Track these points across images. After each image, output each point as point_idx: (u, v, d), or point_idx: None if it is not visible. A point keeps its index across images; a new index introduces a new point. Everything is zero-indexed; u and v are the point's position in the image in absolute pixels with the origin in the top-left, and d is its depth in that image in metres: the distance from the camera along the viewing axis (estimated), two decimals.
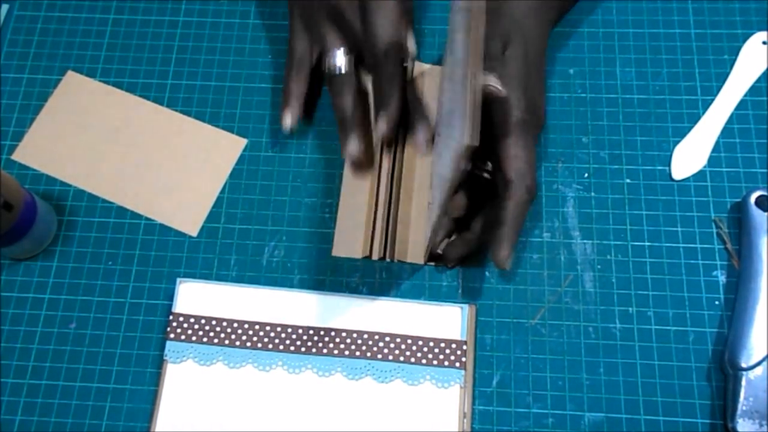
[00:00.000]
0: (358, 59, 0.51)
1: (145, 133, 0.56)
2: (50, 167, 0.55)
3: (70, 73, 0.58)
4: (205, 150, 0.55)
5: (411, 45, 0.51)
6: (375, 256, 0.50)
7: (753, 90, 0.54)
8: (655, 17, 0.57)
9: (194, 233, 0.53)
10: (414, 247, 0.51)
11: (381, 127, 0.48)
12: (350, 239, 0.51)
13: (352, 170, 0.51)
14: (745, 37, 0.56)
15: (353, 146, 0.49)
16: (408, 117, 0.50)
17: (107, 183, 0.54)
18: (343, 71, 0.50)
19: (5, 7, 0.60)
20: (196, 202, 0.53)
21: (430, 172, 0.52)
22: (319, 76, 0.53)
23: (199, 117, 0.56)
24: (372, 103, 0.50)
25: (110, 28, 0.59)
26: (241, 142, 0.55)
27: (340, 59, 0.51)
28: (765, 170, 0.52)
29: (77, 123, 0.56)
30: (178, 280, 0.51)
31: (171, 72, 0.58)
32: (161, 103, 0.56)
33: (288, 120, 0.52)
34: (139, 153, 0.55)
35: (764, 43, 0.55)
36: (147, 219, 0.53)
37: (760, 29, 0.56)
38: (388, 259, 0.50)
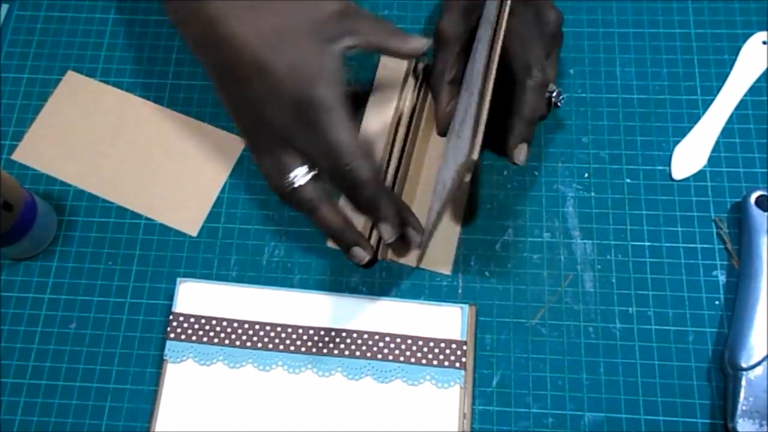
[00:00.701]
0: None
1: (145, 133, 0.56)
2: (50, 167, 0.55)
3: (70, 73, 0.58)
4: (205, 150, 0.55)
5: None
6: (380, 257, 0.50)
7: (753, 90, 0.54)
8: (655, 17, 0.57)
9: (194, 233, 0.53)
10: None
11: (388, 236, 0.46)
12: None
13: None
14: (745, 37, 0.56)
15: (361, 255, 0.47)
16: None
17: (107, 183, 0.54)
18: (308, 193, 0.44)
19: (5, 7, 0.60)
20: (195, 201, 0.53)
21: (434, 174, 0.52)
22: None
23: (200, 117, 0.56)
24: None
25: (110, 28, 0.59)
26: (241, 142, 0.55)
27: (301, 179, 0.44)
28: (765, 170, 0.52)
29: (77, 123, 0.56)
30: (178, 280, 0.51)
31: (171, 72, 0.58)
32: (161, 103, 0.56)
33: (360, 255, 0.47)
34: (139, 153, 0.55)
35: (764, 43, 0.55)
36: (147, 219, 0.53)
37: (760, 29, 0.56)
38: (380, 258, 0.50)
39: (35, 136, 0.56)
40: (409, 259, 0.51)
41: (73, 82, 0.58)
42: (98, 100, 0.57)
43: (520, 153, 0.48)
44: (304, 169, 0.44)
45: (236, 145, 0.55)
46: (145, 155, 0.55)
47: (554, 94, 0.51)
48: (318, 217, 0.46)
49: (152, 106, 0.56)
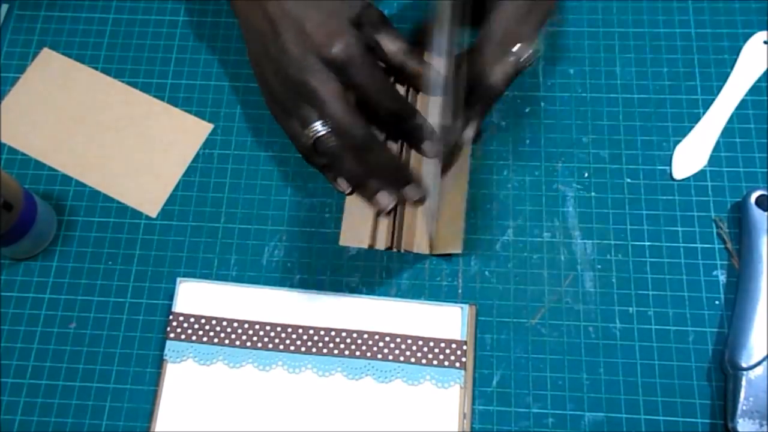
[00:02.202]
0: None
1: (113, 113, 0.56)
2: (18, 141, 0.56)
3: (45, 50, 0.58)
4: (172, 133, 0.56)
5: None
6: (381, 246, 0.50)
7: (753, 90, 0.54)
8: (655, 17, 0.57)
9: (153, 214, 0.53)
10: (421, 237, 0.51)
11: (412, 196, 0.50)
12: (358, 229, 0.51)
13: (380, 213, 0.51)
14: (746, 37, 0.56)
15: (385, 201, 0.49)
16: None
17: (71, 159, 0.55)
18: (330, 143, 0.47)
19: (5, 7, 0.60)
20: (157, 183, 0.54)
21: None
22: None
23: (200, 116, 0.56)
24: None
25: (110, 27, 0.59)
26: (207, 127, 0.56)
27: (320, 131, 0.47)
28: (765, 170, 0.52)
29: (48, 99, 0.57)
30: (178, 279, 0.51)
31: (171, 72, 0.58)
32: (148, 91, 0.57)
33: (344, 184, 0.50)
34: (106, 132, 0.56)
35: (765, 42, 0.55)
36: (147, 219, 0.53)
37: (761, 29, 0.56)
38: (395, 250, 0.51)
39: (6, 110, 0.57)
40: (421, 247, 0.51)
41: (48, 59, 0.58)
42: (71, 78, 0.57)
43: (470, 131, 0.50)
44: (320, 121, 0.47)
45: (203, 130, 0.56)
46: (112, 135, 0.56)
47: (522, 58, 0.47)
48: (343, 165, 0.48)
49: (123, 87, 0.57)
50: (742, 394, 0.45)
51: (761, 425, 0.44)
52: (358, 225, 0.51)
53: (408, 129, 0.50)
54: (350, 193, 0.51)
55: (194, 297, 0.50)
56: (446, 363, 0.47)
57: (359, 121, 0.47)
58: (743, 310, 0.47)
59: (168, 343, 0.49)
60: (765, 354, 0.45)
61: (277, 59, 0.47)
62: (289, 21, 0.47)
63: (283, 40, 0.47)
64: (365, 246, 0.51)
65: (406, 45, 0.51)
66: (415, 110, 0.50)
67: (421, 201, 0.51)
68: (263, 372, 0.48)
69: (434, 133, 0.50)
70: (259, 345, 0.49)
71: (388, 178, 0.49)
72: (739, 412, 0.45)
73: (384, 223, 0.51)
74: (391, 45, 0.50)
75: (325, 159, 0.48)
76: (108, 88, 0.57)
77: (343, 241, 0.51)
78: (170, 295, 0.51)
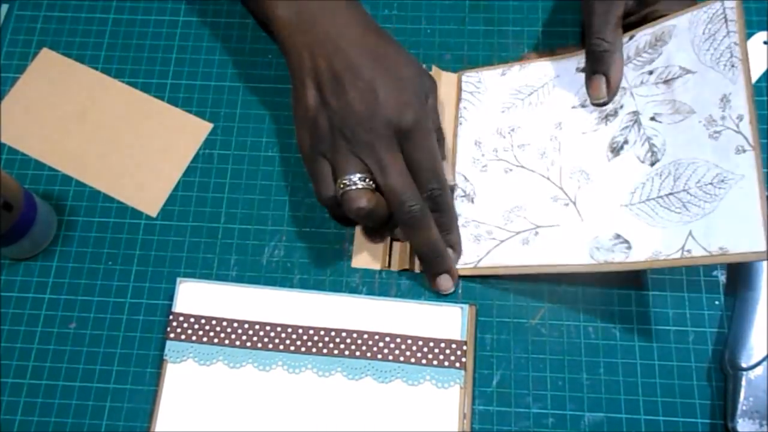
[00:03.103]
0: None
1: (113, 113, 0.56)
2: (18, 141, 0.56)
3: (45, 50, 0.58)
4: (171, 133, 0.56)
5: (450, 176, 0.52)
6: (395, 267, 0.51)
7: (753, 90, 0.54)
8: None
9: (153, 214, 0.53)
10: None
11: (445, 288, 0.50)
12: (370, 250, 0.51)
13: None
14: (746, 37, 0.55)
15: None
16: None
17: (70, 159, 0.55)
18: (364, 200, 0.46)
19: (5, 7, 0.60)
20: (157, 183, 0.54)
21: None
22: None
23: (200, 116, 0.56)
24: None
25: (110, 27, 0.59)
26: (207, 127, 0.56)
27: (356, 184, 0.46)
28: (765, 170, 0.52)
29: (48, 99, 0.57)
30: (178, 280, 0.51)
31: (171, 72, 0.58)
32: (148, 91, 0.57)
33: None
34: (105, 132, 0.56)
35: (765, 42, 0.55)
36: (147, 219, 0.53)
37: (761, 29, 0.56)
38: (408, 269, 0.51)
39: (6, 110, 0.57)
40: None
41: (47, 59, 0.58)
42: (71, 78, 0.57)
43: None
44: (360, 175, 0.46)
45: (203, 130, 0.56)
46: (111, 134, 0.56)
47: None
48: (367, 221, 0.48)
49: (123, 87, 0.57)
50: (742, 394, 0.45)
51: (761, 425, 0.44)
52: (370, 246, 0.51)
53: (439, 218, 0.49)
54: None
55: (194, 297, 0.50)
56: (446, 363, 0.47)
57: (420, 198, 0.47)
58: (744, 310, 0.47)
59: (168, 343, 0.49)
60: (765, 354, 0.45)
61: (339, 113, 0.46)
62: (360, 80, 0.46)
63: (352, 98, 0.46)
64: (378, 268, 0.51)
65: (439, 124, 0.52)
66: (453, 206, 0.51)
67: (451, 293, 0.50)
68: (263, 372, 0.48)
69: (459, 238, 0.50)
70: (259, 345, 0.49)
71: (425, 260, 0.49)
72: (738, 412, 0.45)
73: (397, 244, 0.51)
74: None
75: (352, 214, 0.47)
76: (108, 88, 0.57)
77: (355, 263, 0.51)
78: (170, 296, 0.51)
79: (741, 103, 0.43)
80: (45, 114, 0.57)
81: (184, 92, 0.57)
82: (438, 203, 0.48)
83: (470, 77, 0.55)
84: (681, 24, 0.47)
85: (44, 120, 0.56)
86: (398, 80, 0.47)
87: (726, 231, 0.41)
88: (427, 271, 0.50)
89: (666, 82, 0.47)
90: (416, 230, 0.48)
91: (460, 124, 0.54)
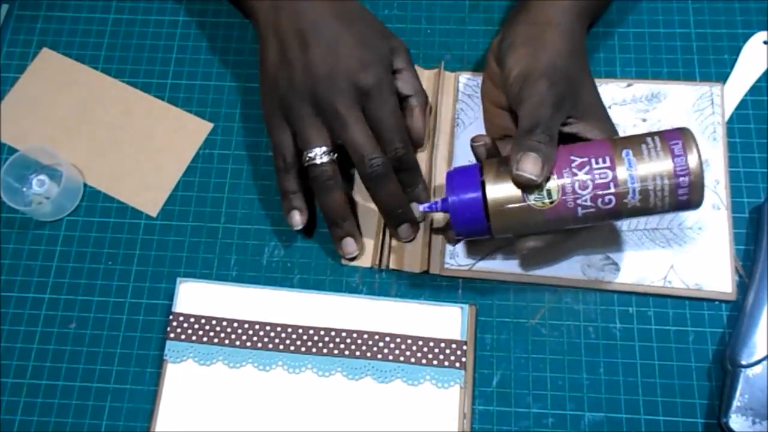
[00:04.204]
0: (342, 157, 0.48)
1: (113, 113, 0.56)
2: (18, 141, 0.56)
3: (45, 50, 0.58)
4: (171, 133, 0.56)
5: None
6: (394, 266, 0.51)
7: (753, 90, 0.54)
8: (655, 17, 0.57)
9: (153, 214, 0.53)
10: (410, 256, 0.51)
11: (405, 235, 0.50)
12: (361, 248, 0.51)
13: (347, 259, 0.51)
14: (746, 37, 0.56)
15: (351, 248, 0.50)
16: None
17: (71, 159, 0.55)
18: (326, 173, 0.47)
19: (5, 7, 0.60)
20: (158, 183, 0.54)
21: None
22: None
23: (200, 116, 0.56)
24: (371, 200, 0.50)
25: (110, 28, 0.59)
26: (207, 127, 0.56)
27: (321, 158, 0.47)
28: (765, 170, 0.52)
29: (48, 99, 0.57)
30: (178, 280, 0.51)
31: (171, 72, 0.58)
32: (149, 92, 0.57)
33: (297, 218, 0.50)
34: (105, 132, 0.56)
35: (765, 42, 0.55)
36: (147, 219, 0.53)
37: (761, 29, 0.56)
38: (383, 267, 0.51)
39: (6, 110, 0.57)
40: (413, 266, 0.51)
41: (47, 59, 0.58)
42: (71, 78, 0.57)
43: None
44: (325, 148, 0.47)
45: (203, 129, 0.56)
46: (111, 134, 0.56)
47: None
48: (329, 198, 0.48)
49: (123, 87, 0.57)
50: (738, 391, 0.45)
51: (754, 422, 0.44)
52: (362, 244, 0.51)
53: (404, 176, 0.50)
54: (301, 230, 0.51)
55: (194, 297, 0.50)
56: (446, 363, 0.47)
57: (381, 153, 0.47)
58: (752, 307, 0.47)
59: (168, 343, 0.49)
60: (766, 353, 0.45)
61: (299, 70, 0.47)
62: (321, 37, 0.47)
63: (313, 53, 0.47)
64: (368, 266, 0.51)
65: (420, 83, 0.52)
66: (417, 163, 0.51)
67: (411, 240, 0.51)
68: (263, 372, 0.48)
69: (425, 190, 0.51)
70: (259, 345, 0.49)
71: (387, 213, 0.50)
72: (732, 408, 0.45)
73: (388, 243, 0.51)
74: (407, 75, 0.51)
75: (314, 186, 0.48)
76: (108, 88, 0.57)
77: (346, 260, 0.51)
78: (170, 295, 0.51)
79: (719, 170, 0.51)
80: (45, 114, 0.57)
81: (184, 92, 0.57)
82: (402, 161, 0.49)
83: (469, 80, 0.55)
84: (675, 90, 0.54)
85: (44, 120, 0.56)
86: (360, 39, 0.48)
87: (701, 271, 0.49)
88: (389, 223, 0.50)
89: None
90: (378, 185, 0.48)
91: (457, 125, 0.54)
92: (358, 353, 0.48)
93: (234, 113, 0.56)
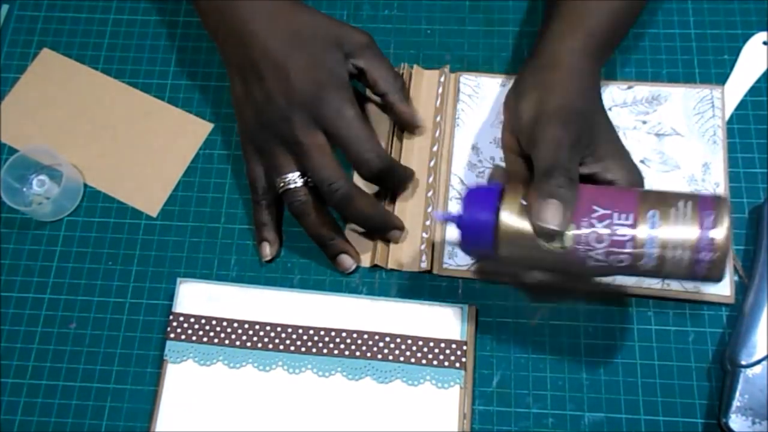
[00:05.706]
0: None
1: (113, 113, 0.56)
2: (18, 141, 0.56)
3: (45, 50, 0.58)
4: (171, 133, 0.56)
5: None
6: (392, 265, 0.51)
7: (753, 90, 0.54)
8: (654, 17, 0.57)
9: (154, 214, 0.53)
10: (409, 255, 0.51)
11: (395, 240, 0.51)
12: (358, 247, 0.51)
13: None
14: (745, 38, 0.56)
15: (347, 263, 0.50)
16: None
17: (71, 159, 0.55)
18: (300, 198, 0.48)
19: (5, 7, 0.60)
20: (158, 183, 0.54)
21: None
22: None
23: (200, 116, 0.56)
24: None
25: (110, 28, 0.59)
26: (207, 127, 0.56)
27: (293, 183, 0.48)
28: (765, 170, 0.52)
29: (48, 99, 0.57)
30: (178, 280, 0.51)
31: (171, 72, 0.58)
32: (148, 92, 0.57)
33: (267, 251, 0.51)
34: (105, 132, 0.56)
35: (764, 43, 0.55)
36: (147, 219, 0.53)
37: (760, 29, 0.56)
38: (381, 265, 0.51)
39: (6, 110, 0.57)
40: (412, 266, 0.51)
41: (47, 59, 0.58)
42: (71, 78, 0.58)
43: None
44: (297, 173, 0.48)
45: (203, 130, 0.56)
46: (111, 135, 0.56)
47: None
48: (309, 221, 0.49)
49: (123, 87, 0.57)
50: (738, 391, 0.45)
51: (753, 422, 0.44)
52: (358, 244, 0.51)
53: (386, 184, 0.51)
54: (270, 261, 0.51)
55: (194, 297, 0.50)
56: (446, 363, 0.47)
57: (342, 176, 0.47)
58: (752, 307, 0.47)
59: (168, 343, 0.49)
60: (766, 354, 0.45)
61: (260, 104, 0.48)
62: (272, 67, 0.47)
63: (268, 88, 0.47)
64: (367, 265, 0.51)
65: (392, 74, 0.51)
66: (396, 165, 0.50)
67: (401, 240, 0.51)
68: (263, 372, 0.48)
69: (409, 188, 0.51)
70: (259, 345, 0.49)
71: (368, 228, 0.50)
72: (732, 408, 0.45)
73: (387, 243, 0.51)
74: (375, 73, 0.50)
75: (292, 212, 0.49)
76: (108, 88, 0.57)
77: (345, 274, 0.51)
78: (170, 296, 0.51)
79: (719, 173, 0.51)
80: (45, 114, 0.57)
81: (184, 92, 0.57)
82: (381, 172, 0.48)
83: (468, 80, 0.55)
84: (676, 93, 0.53)
85: (44, 120, 0.56)
86: (311, 60, 0.47)
87: None
88: (376, 233, 0.51)
89: (657, 135, 0.52)
90: (346, 208, 0.48)
91: (457, 125, 0.54)
92: (358, 353, 0.48)
93: (234, 113, 0.56)
